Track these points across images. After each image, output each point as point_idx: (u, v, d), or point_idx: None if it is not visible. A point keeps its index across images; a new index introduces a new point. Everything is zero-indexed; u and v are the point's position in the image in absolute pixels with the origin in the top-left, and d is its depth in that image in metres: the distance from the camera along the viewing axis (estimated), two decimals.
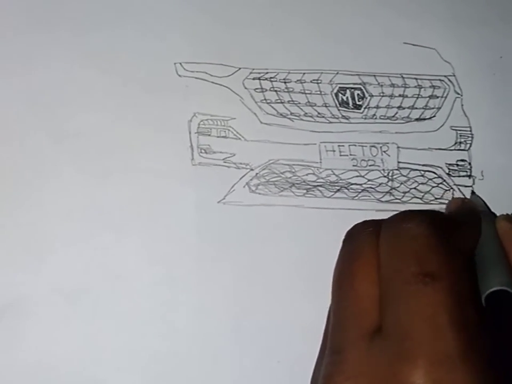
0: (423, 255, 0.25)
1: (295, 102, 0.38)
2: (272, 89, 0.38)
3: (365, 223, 0.29)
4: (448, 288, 0.24)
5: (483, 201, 0.36)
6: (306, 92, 0.39)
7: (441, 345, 0.23)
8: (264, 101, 0.38)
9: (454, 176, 0.39)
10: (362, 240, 0.28)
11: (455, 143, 0.40)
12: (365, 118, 0.39)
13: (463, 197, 0.35)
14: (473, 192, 0.38)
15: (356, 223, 0.29)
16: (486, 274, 0.28)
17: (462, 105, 0.40)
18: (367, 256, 0.27)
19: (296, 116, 0.38)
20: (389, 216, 0.27)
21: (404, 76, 0.40)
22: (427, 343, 0.23)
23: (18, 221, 0.34)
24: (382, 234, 0.27)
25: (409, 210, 0.27)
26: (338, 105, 0.39)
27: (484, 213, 0.33)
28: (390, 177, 0.38)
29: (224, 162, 0.37)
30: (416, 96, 0.40)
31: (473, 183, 0.39)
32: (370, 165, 0.38)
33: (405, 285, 0.25)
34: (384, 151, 0.39)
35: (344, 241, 0.29)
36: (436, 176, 0.39)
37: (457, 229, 0.27)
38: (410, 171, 0.39)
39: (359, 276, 0.27)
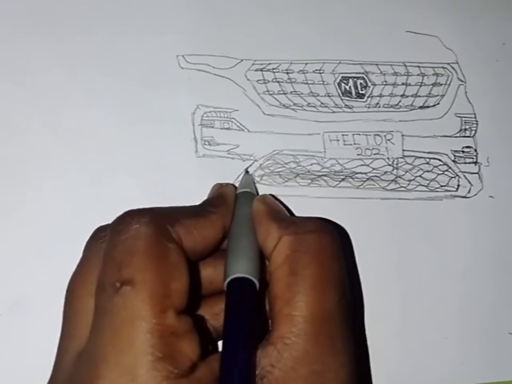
0: (125, 260, 0.24)
1: (298, 93, 0.38)
2: (274, 80, 0.38)
3: (100, 229, 0.28)
4: (143, 293, 0.23)
5: (253, 180, 0.35)
6: (309, 82, 0.38)
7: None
8: (267, 92, 0.38)
9: (459, 163, 0.39)
10: (91, 250, 0.27)
11: (460, 130, 0.39)
12: (368, 107, 0.39)
13: (225, 182, 0.34)
14: (246, 171, 0.36)
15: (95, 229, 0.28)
16: (231, 260, 0.28)
17: (466, 92, 0.40)
18: (87, 267, 0.26)
19: (299, 106, 0.38)
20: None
21: (407, 64, 0.40)
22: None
23: (20, 218, 0.34)
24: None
25: (129, 211, 0.26)
26: (341, 94, 0.39)
27: (244, 195, 0.32)
28: (395, 166, 0.38)
29: (228, 153, 0.37)
30: (419, 84, 0.40)
31: (479, 170, 0.39)
32: (374, 154, 0.38)
33: (102, 296, 0.24)
34: (389, 140, 0.38)
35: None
36: (441, 163, 0.39)
37: (175, 224, 0.26)
38: (415, 159, 0.38)
39: (77, 290, 0.26)
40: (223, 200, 0.31)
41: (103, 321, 0.23)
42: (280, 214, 0.30)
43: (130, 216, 0.26)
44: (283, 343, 0.24)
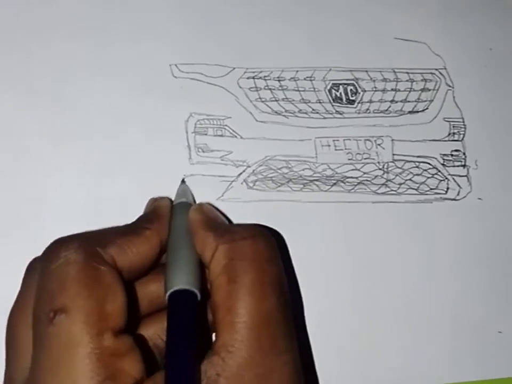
0: (57, 289, 0.24)
1: (290, 100, 0.39)
2: (266, 87, 0.39)
3: (34, 260, 0.28)
4: (77, 319, 0.23)
5: (189, 190, 0.35)
6: (300, 89, 0.39)
7: None
8: (259, 100, 0.39)
9: (448, 166, 0.40)
10: (26, 282, 0.27)
11: (449, 134, 0.40)
12: (359, 113, 0.40)
13: (158, 196, 0.34)
14: (182, 181, 0.36)
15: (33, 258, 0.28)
16: (170, 273, 0.28)
17: (454, 97, 0.41)
18: (24, 299, 0.26)
19: (290, 112, 0.39)
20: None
21: (396, 70, 0.41)
22: None
23: (18, 219, 0.35)
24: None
25: (58, 239, 0.27)
26: (332, 101, 0.39)
27: (180, 206, 0.32)
28: (385, 170, 0.39)
29: (222, 160, 0.37)
30: (409, 89, 0.40)
31: (468, 173, 0.40)
32: (365, 158, 0.39)
33: (38, 327, 0.24)
34: (379, 144, 0.39)
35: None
36: (431, 167, 0.39)
37: (107, 245, 0.27)
38: (405, 163, 0.39)
39: (16, 322, 0.26)
40: (157, 214, 0.31)
41: (42, 352, 0.24)
42: (215, 222, 0.30)
43: (59, 244, 0.26)
44: (227, 351, 0.24)
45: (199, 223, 0.30)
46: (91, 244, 0.26)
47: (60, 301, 0.24)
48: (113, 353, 0.23)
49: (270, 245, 0.28)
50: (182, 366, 0.24)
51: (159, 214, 0.31)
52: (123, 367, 0.24)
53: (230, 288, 0.26)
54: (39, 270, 0.26)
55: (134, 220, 0.32)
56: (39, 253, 0.33)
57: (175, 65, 0.38)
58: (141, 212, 0.34)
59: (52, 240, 0.33)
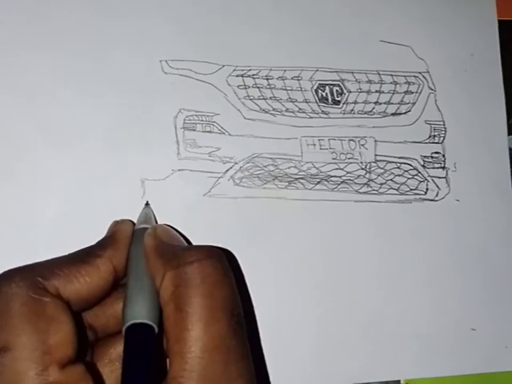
0: (0, 326, 0.24)
1: (277, 98, 0.40)
2: (254, 86, 0.40)
3: None
4: (21, 356, 0.23)
5: (153, 213, 0.35)
6: (288, 88, 0.40)
7: None
8: (247, 97, 0.39)
9: (428, 168, 0.41)
10: None
11: (429, 136, 0.41)
12: (344, 113, 0.41)
13: (119, 219, 0.33)
14: (146, 204, 0.36)
15: None
16: (128, 305, 0.28)
17: (436, 100, 0.42)
18: None
19: (278, 111, 0.40)
20: None
21: (380, 72, 0.42)
22: None
23: (13, 222, 0.35)
24: None
25: (2, 274, 0.26)
26: (318, 101, 0.40)
27: (140, 231, 0.31)
28: (367, 170, 0.40)
29: (210, 156, 0.38)
30: (392, 92, 0.42)
31: (447, 174, 0.41)
32: (349, 158, 0.40)
33: None
34: (362, 145, 0.40)
35: None
36: (411, 168, 0.41)
37: (51, 276, 0.26)
38: (387, 163, 0.40)
39: None
40: (114, 240, 0.31)
41: None
42: (167, 246, 0.29)
43: (1, 279, 0.26)
44: (177, 382, 0.24)
45: (151, 249, 0.29)
46: (33, 276, 0.25)
47: (3, 338, 0.24)
48: None
49: (218, 266, 0.27)
50: None
51: (116, 240, 0.31)
52: None
53: (177, 317, 0.25)
54: None
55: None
56: (32, 256, 0.33)
57: (165, 61, 0.38)
58: (130, 208, 0.35)
59: (43, 244, 0.34)
